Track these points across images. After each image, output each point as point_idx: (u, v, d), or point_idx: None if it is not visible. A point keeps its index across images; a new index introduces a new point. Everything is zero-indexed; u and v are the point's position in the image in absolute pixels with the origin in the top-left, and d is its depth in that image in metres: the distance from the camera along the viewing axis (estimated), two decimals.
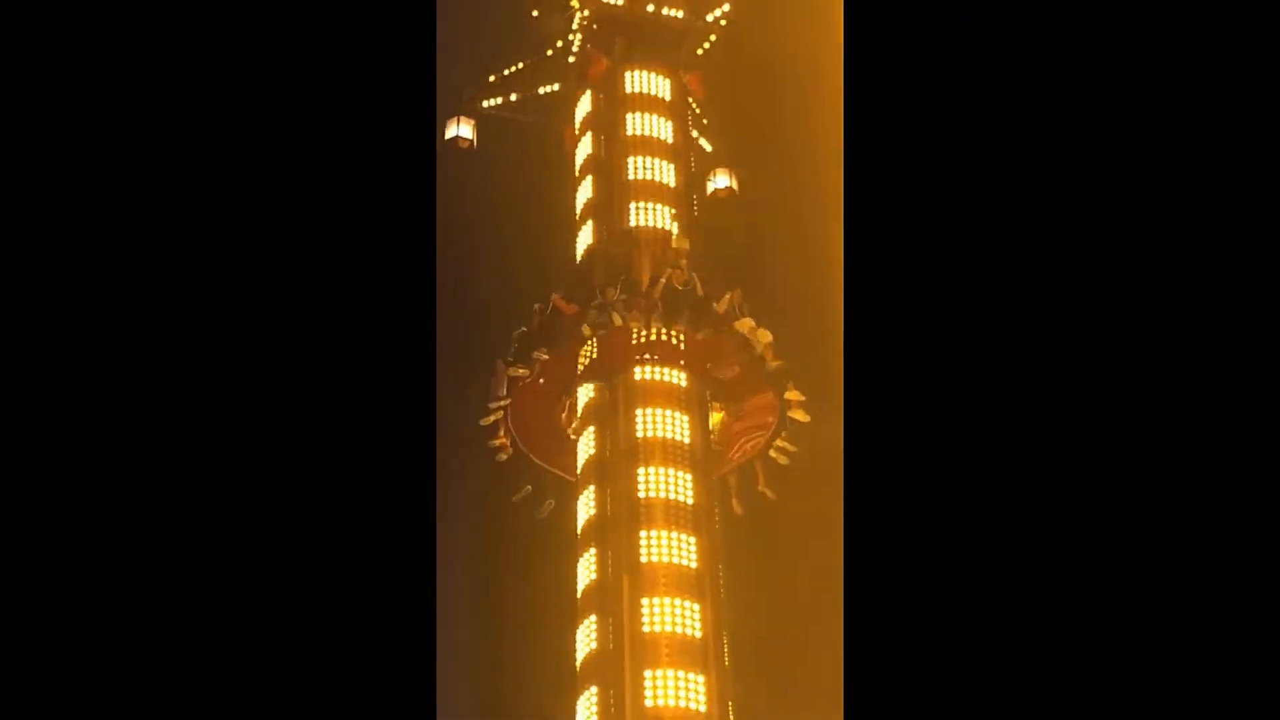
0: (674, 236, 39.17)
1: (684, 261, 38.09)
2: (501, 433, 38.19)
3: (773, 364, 37.69)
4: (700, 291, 37.45)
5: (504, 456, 38.47)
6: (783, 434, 38.46)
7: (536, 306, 38.21)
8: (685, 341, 37.25)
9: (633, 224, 39.75)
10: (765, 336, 37.59)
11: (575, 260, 40.34)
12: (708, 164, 42.60)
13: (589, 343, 37.54)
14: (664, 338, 37.06)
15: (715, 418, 38.07)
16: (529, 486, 38.64)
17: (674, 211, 40.06)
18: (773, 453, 38.77)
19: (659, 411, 36.57)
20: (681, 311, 37.12)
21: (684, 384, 37.10)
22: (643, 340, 37.07)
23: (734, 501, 37.63)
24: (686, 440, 36.49)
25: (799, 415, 37.99)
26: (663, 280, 37.31)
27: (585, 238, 40.56)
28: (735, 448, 38.59)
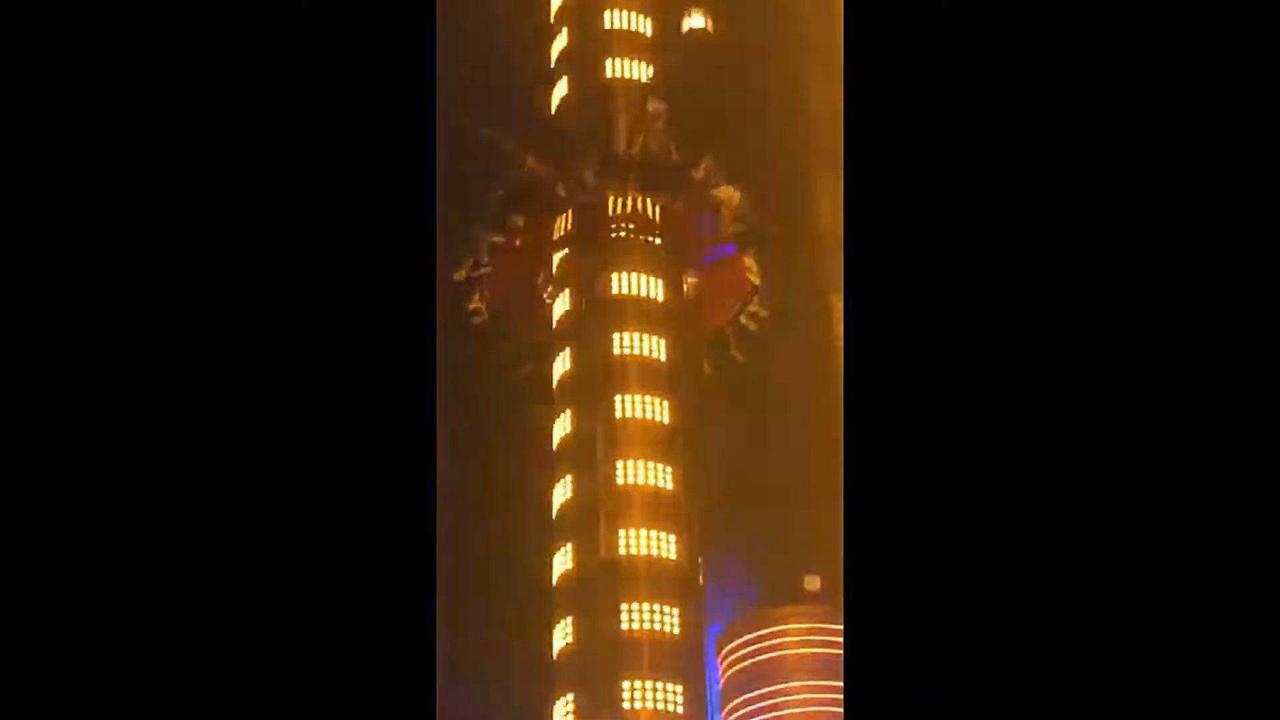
0: (649, 98, 38.71)
1: (660, 124, 37.99)
2: (477, 297, 38.36)
3: (739, 228, 37.96)
4: (676, 157, 37.37)
5: (479, 320, 38.70)
6: (754, 301, 38.84)
7: (512, 172, 38.21)
8: (661, 212, 37.26)
9: (609, 75, 39.50)
10: (734, 199, 37.72)
11: (550, 112, 40.11)
12: (684, 4, 42.22)
13: (566, 211, 37.58)
14: (640, 208, 37.06)
15: (689, 283, 38.38)
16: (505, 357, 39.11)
17: (649, 68, 39.77)
18: (743, 319, 39.17)
19: (634, 276, 36.89)
20: (658, 179, 37.13)
21: (659, 248, 37.27)
22: (619, 210, 37.08)
23: (704, 363, 37.95)
24: (660, 298, 36.83)
25: (754, 278, 38.17)
26: (639, 141, 37.27)
27: (561, 90, 40.32)
28: (708, 315, 39.04)
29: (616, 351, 36.06)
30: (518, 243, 37.90)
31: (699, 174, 37.44)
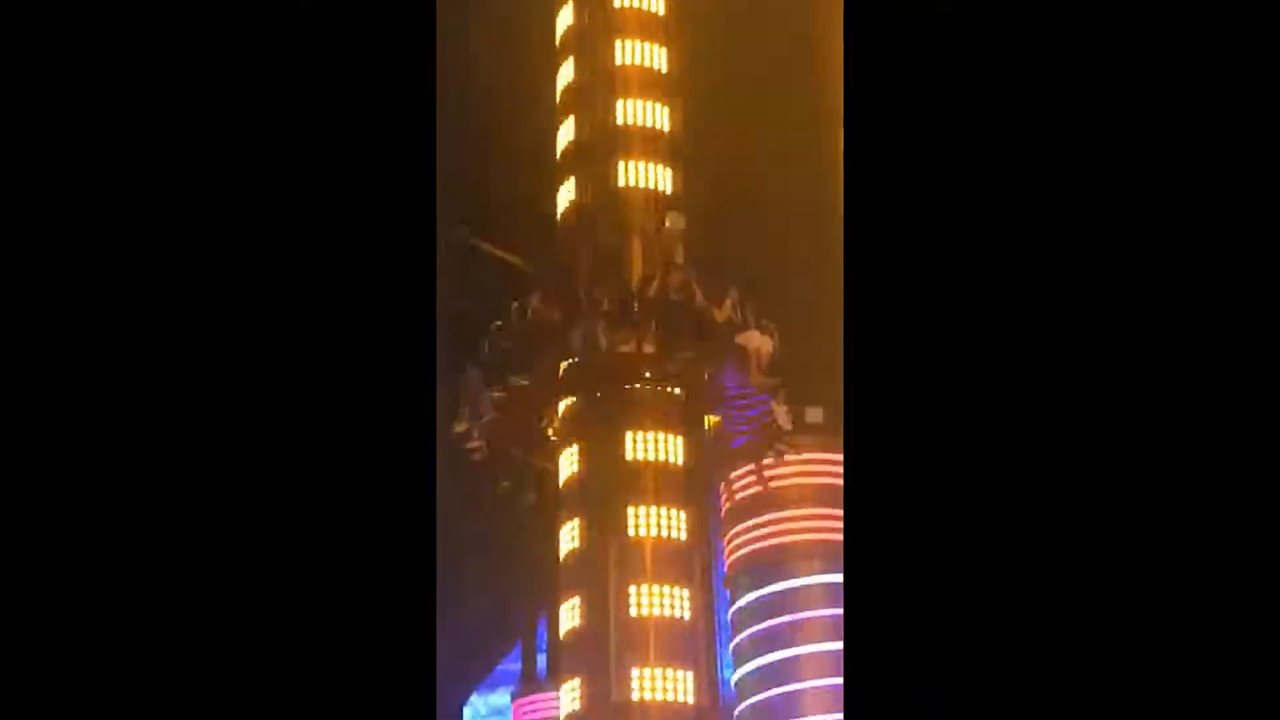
0: (668, 215, 35.03)
1: (679, 258, 34.31)
2: (475, 435, 34.83)
3: (769, 380, 34.37)
4: (699, 298, 33.54)
5: (479, 457, 35.30)
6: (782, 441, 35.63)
7: (515, 305, 34.22)
8: (681, 364, 33.75)
9: (621, 182, 35.63)
10: (764, 348, 34.01)
11: (556, 218, 36.38)
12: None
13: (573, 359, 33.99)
14: (657, 362, 33.70)
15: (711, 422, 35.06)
16: (506, 483, 36.01)
17: (668, 171, 35.88)
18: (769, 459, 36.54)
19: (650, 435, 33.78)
20: (678, 327, 33.30)
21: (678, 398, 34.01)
22: (634, 363, 33.66)
23: None
24: (680, 459, 33.71)
25: (784, 423, 34.99)
26: (656, 281, 33.39)
27: (568, 193, 36.49)
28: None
29: (632, 531, 32.86)
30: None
31: (722, 314, 33.61)
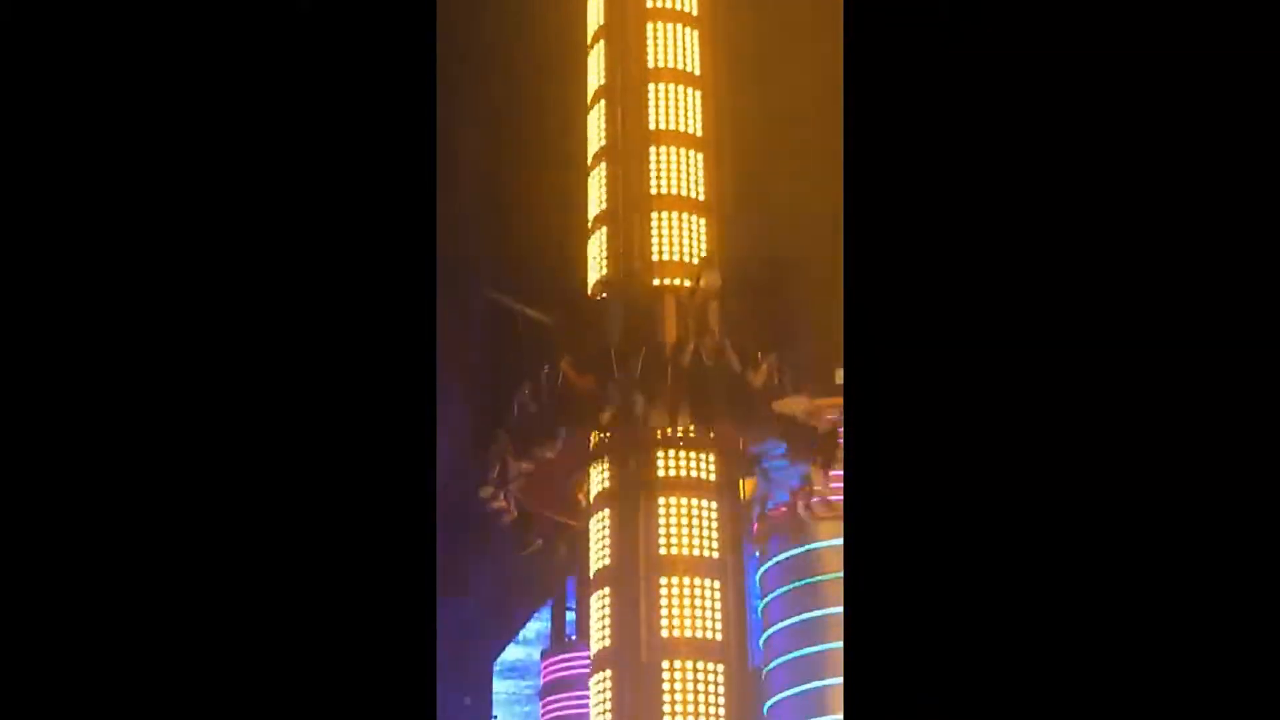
0: (703, 273, 33.90)
1: (713, 322, 33.27)
2: (503, 497, 34.22)
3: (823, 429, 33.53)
4: (735, 364, 32.49)
5: (509, 519, 34.79)
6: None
7: (546, 369, 33.31)
8: (716, 434, 32.81)
9: (655, 256, 34.71)
10: (813, 409, 33.12)
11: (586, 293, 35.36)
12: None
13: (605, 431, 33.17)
14: (691, 434, 32.72)
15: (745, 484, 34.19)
16: (539, 541, 35.41)
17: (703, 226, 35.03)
18: (802, 513, 35.55)
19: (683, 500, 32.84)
20: (713, 395, 32.27)
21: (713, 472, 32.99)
22: (668, 434, 32.73)
23: None
24: (714, 542, 32.64)
25: (820, 489, 34.35)
26: (690, 348, 32.34)
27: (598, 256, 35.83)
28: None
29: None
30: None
31: (758, 379, 32.60)
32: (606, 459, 33.23)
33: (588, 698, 33.02)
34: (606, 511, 33.13)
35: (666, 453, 32.65)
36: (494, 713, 78.47)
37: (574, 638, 67.08)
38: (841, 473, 33.42)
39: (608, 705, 31.58)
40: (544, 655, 69.74)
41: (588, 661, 33.46)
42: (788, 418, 32.85)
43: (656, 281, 34.15)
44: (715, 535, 32.33)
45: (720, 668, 31.23)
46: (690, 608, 31.48)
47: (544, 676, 67.79)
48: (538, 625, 77.67)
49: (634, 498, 32.65)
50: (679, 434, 32.64)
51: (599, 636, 32.23)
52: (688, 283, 34.07)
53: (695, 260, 34.44)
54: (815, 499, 34.49)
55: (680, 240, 34.75)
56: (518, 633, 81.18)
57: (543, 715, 66.68)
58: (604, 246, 35.34)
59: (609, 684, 31.69)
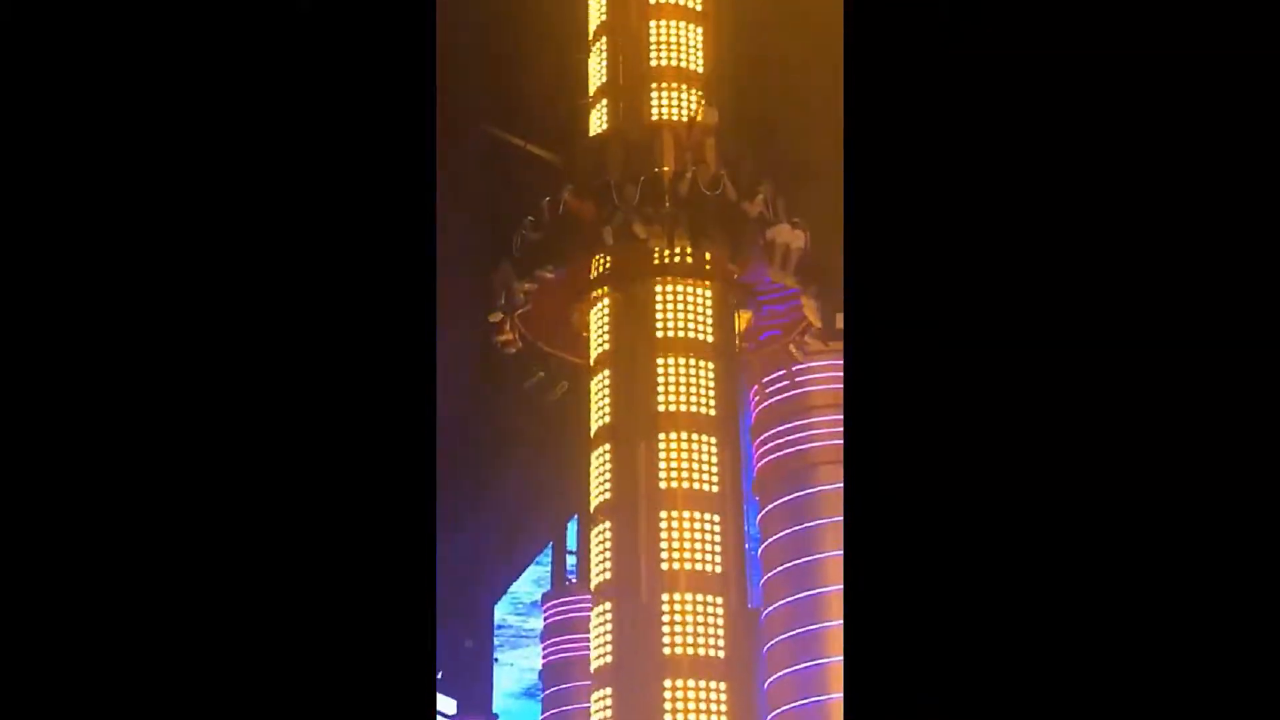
0: (699, 107, 34.89)
1: (710, 154, 34.22)
2: (508, 327, 35.02)
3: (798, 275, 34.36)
4: (731, 194, 33.50)
5: (512, 350, 35.55)
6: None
7: (547, 200, 34.26)
8: (713, 259, 33.77)
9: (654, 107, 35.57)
10: (795, 241, 33.99)
11: (587, 133, 36.11)
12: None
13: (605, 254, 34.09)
14: (689, 258, 33.58)
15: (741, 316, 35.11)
16: (541, 373, 36.10)
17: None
18: (794, 350, 36.63)
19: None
20: (709, 221, 33.26)
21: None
22: (665, 258, 33.62)
23: None
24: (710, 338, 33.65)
25: (813, 318, 35.12)
26: (687, 177, 33.34)
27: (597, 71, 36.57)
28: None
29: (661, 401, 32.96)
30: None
31: (753, 209, 33.60)
32: (607, 286, 34.12)
33: (588, 640, 33.35)
34: (607, 372, 33.99)
35: (664, 287, 33.47)
36: (495, 655, 78.95)
37: (573, 580, 67.52)
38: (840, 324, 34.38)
39: (608, 639, 31.87)
40: (544, 598, 70.12)
41: (588, 603, 34.01)
42: (779, 245, 33.80)
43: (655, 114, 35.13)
44: (715, 471, 32.89)
45: (720, 600, 31.53)
46: (690, 542, 31.79)
47: (545, 619, 68.24)
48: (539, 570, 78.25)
49: (631, 327, 33.73)
50: (676, 258, 33.52)
51: (599, 570, 32.62)
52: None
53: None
54: (807, 334, 35.37)
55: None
56: (519, 575, 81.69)
57: (544, 658, 67.16)
58: (605, 113, 36.27)
59: (609, 617, 31.99)
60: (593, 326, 34.46)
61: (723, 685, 30.95)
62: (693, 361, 33.02)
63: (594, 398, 34.01)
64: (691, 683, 30.77)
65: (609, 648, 31.83)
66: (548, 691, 65.67)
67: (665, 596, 31.37)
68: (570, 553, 70.67)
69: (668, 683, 30.74)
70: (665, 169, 33.96)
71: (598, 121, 36.12)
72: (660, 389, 32.87)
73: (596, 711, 31.84)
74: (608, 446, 33.22)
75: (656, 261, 33.55)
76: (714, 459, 32.65)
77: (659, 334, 33.26)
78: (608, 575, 32.37)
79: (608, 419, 33.53)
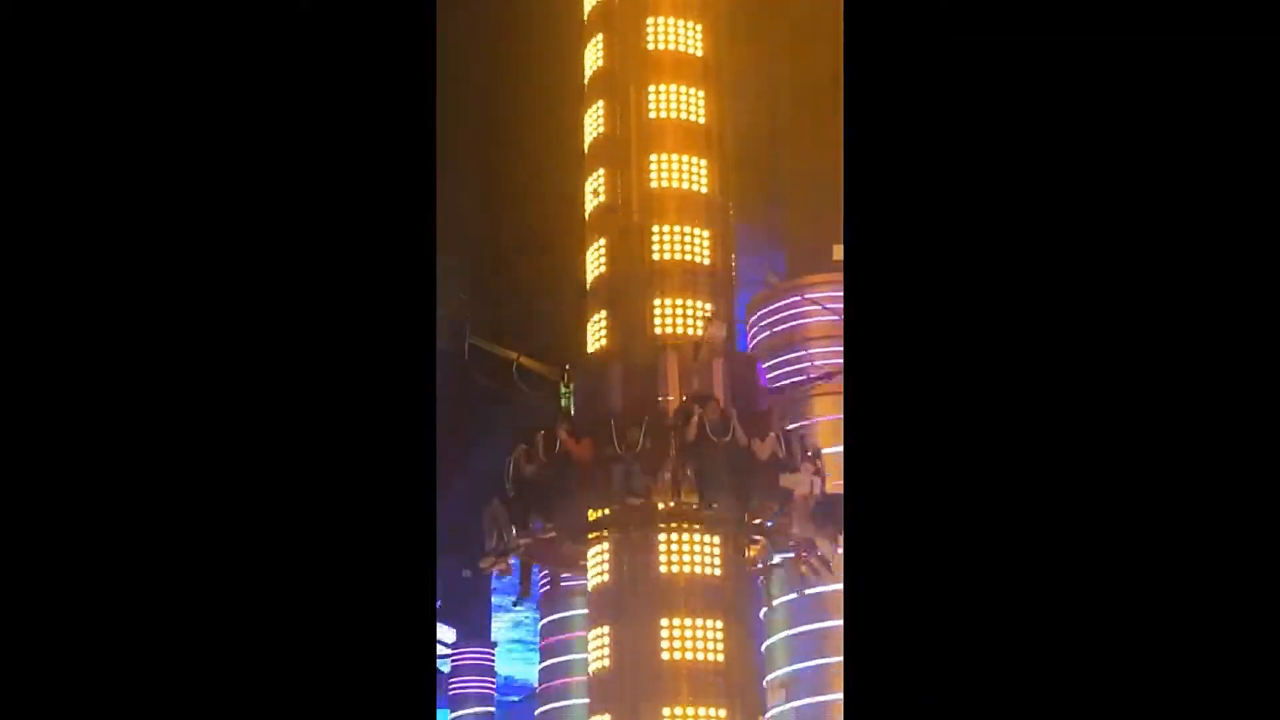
0: (707, 323, 32.74)
1: (718, 380, 31.97)
2: (501, 564, 33.47)
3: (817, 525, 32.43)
4: (741, 438, 31.14)
5: (504, 577, 34.20)
6: None
7: (540, 436, 32.02)
8: (720, 508, 31.58)
9: (658, 330, 33.28)
10: (816, 486, 32.10)
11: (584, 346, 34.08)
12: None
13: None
14: (695, 508, 31.41)
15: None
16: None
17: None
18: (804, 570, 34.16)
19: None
20: (718, 469, 30.94)
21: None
22: (670, 509, 31.48)
23: None
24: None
25: (826, 551, 33.08)
26: (694, 420, 30.95)
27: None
28: None
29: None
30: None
31: (764, 451, 31.34)
32: (606, 534, 32.11)
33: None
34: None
35: (669, 536, 31.49)
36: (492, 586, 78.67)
37: None
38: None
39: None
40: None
41: None
42: (796, 494, 31.74)
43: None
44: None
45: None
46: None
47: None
48: None
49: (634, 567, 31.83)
50: (681, 505, 31.36)
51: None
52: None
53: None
54: (817, 556, 33.34)
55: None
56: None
57: (541, 588, 66.63)
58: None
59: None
60: (590, 564, 32.69)
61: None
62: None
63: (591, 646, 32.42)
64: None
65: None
66: (545, 620, 65.38)
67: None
68: None
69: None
70: (669, 401, 31.70)
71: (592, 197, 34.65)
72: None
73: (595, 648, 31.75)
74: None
75: (661, 508, 31.39)
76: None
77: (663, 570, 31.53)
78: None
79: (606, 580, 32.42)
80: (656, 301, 32.91)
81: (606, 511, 31.81)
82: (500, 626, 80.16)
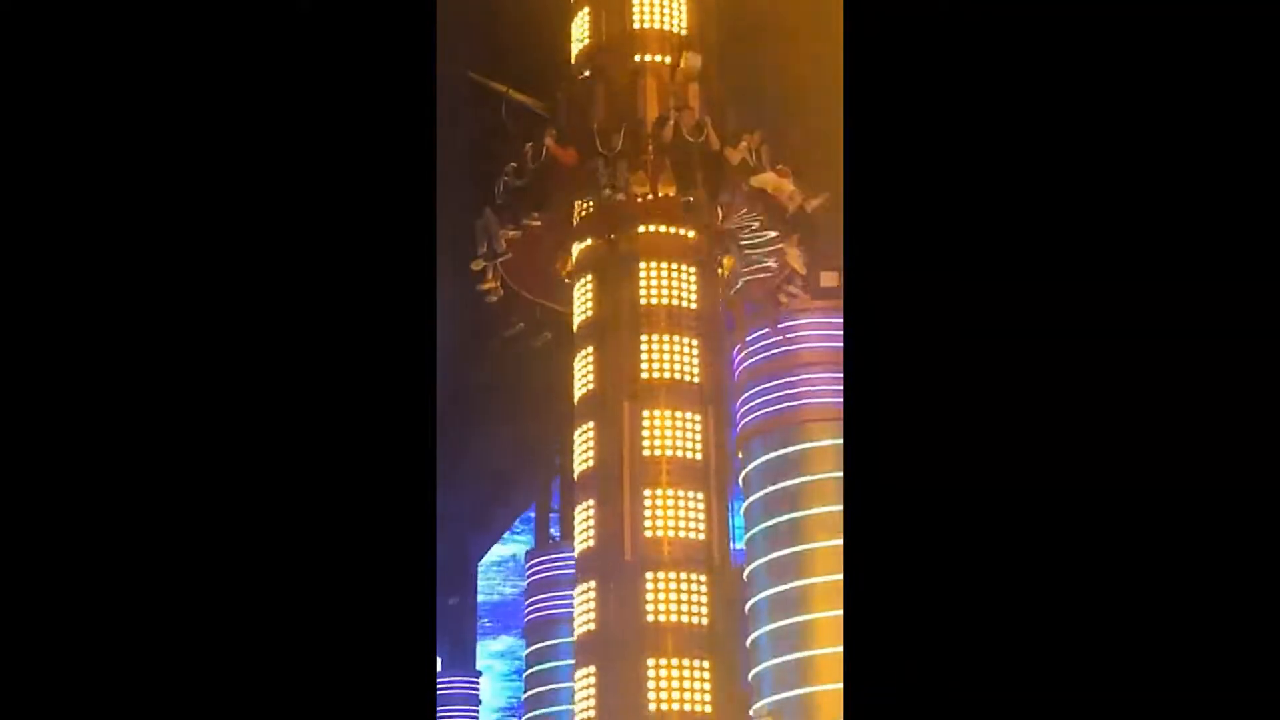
0: (684, 54, 34.75)
1: (694, 99, 34.09)
2: (490, 275, 34.99)
3: (794, 208, 34.30)
4: (714, 141, 33.34)
5: (494, 299, 35.49)
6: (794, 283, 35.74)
7: (528, 147, 34.12)
8: (695, 204, 33.64)
9: (637, 24, 35.36)
10: (780, 187, 33.92)
11: (570, 62, 36.09)
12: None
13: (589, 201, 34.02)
14: (673, 198, 33.37)
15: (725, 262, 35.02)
16: (521, 324, 36.25)
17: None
18: (783, 298, 36.22)
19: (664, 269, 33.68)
20: (693, 170, 33.14)
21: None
22: (649, 206, 33.45)
23: None
24: (695, 303, 33.51)
25: (797, 266, 35.09)
26: (670, 123, 33.18)
27: (581, 29, 36.27)
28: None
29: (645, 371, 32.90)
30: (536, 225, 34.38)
31: (736, 156, 33.47)
32: (589, 233, 34.11)
33: (571, 599, 33.39)
34: (589, 286, 34.12)
35: (647, 226, 33.41)
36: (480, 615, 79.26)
37: (558, 538, 67.63)
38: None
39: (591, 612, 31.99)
40: (529, 555, 70.28)
41: (572, 561, 33.82)
42: (762, 193, 33.73)
43: (637, 58, 34.98)
44: (696, 305, 33.28)
45: (703, 577, 31.56)
46: (675, 516, 31.73)
47: (528, 577, 68.35)
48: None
49: (615, 270, 33.68)
50: (659, 199, 33.35)
51: (583, 539, 32.69)
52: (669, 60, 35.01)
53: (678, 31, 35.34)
54: (792, 282, 35.27)
55: (661, 21, 35.59)
56: (502, 534, 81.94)
57: (527, 616, 67.32)
58: (586, 29, 36.13)
59: (593, 593, 32.00)
60: (576, 298, 34.49)
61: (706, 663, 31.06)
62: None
63: (578, 370, 34.03)
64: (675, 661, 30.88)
65: (592, 624, 31.99)
66: (531, 648, 66.03)
67: (649, 575, 31.39)
68: (554, 510, 70.83)
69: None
70: (648, 115, 33.82)
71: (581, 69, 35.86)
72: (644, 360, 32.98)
73: (581, 688, 31.95)
74: (591, 424, 33.31)
75: (641, 203, 33.39)
76: (698, 429, 32.74)
77: (643, 285, 33.36)
78: (591, 543, 32.40)
79: (591, 388, 33.56)
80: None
81: (590, 207, 33.98)
82: (485, 655, 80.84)
